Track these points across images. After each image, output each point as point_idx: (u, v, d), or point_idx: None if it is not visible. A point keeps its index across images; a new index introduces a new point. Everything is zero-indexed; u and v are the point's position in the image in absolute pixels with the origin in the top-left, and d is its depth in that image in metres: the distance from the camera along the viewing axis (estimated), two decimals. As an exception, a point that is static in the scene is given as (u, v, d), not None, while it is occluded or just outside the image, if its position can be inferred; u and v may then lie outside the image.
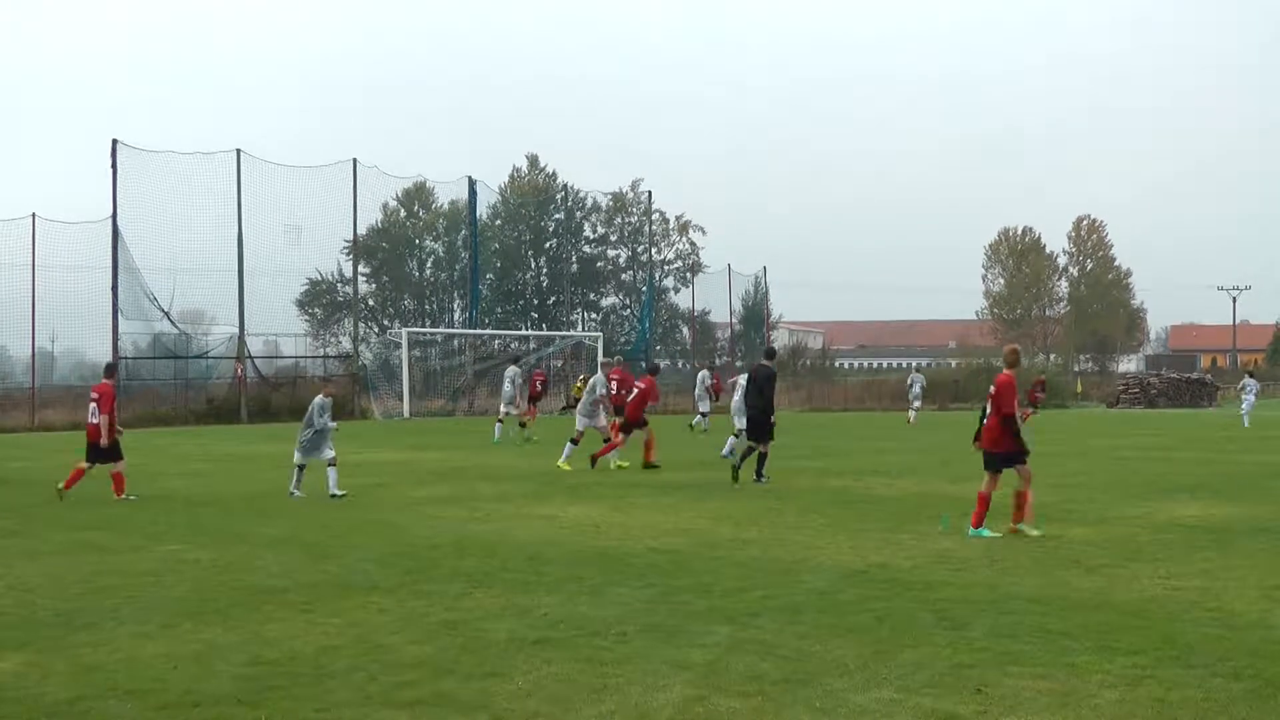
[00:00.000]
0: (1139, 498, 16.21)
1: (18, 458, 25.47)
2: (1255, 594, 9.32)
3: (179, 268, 43.13)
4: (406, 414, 44.79)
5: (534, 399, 30.66)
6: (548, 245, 66.07)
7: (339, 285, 57.83)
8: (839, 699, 6.46)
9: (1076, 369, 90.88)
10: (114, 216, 41.57)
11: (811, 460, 22.97)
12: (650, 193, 66.00)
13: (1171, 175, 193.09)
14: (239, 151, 44.39)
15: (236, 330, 44.55)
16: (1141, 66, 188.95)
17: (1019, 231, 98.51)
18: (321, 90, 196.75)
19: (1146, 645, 7.57)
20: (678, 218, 70.79)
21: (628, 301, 67.23)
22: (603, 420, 21.60)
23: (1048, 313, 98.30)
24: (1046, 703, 6.37)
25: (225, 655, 7.52)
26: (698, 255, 70.05)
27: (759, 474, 18.15)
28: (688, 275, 68.66)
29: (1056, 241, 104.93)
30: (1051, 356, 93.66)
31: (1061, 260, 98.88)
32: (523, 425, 29.11)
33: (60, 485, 16.72)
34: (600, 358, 48.68)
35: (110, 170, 41.57)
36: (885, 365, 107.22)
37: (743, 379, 21.51)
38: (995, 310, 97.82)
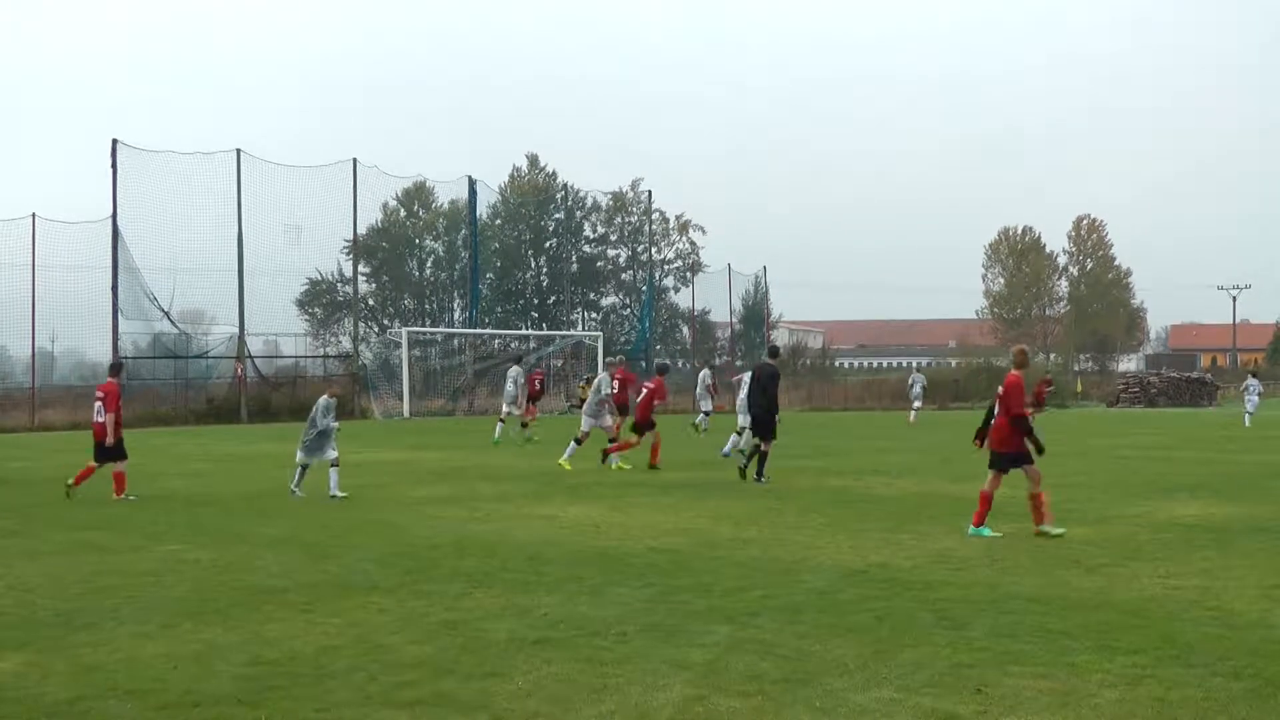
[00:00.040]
0: (1139, 497, 16.21)
1: (18, 458, 25.48)
2: (1255, 593, 9.32)
3: (179, 268, 43.23)
4: (406, 414, 44.81)
5: (533, 398, 30.69)
6: (548, 245, 66.11)
7: (339, 285, 57.87)
8: (839, 699, 6.46)
9: (1076, 368, 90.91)
10: (114, 216, 41.59)
11: (811, 460, 22.97)
12: (650, 192, 66.17)
13: (1171, 175, 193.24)
14: (239, 151, 44.47)
15: (236, 330, 44.57)
16: (1141, 66, 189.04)
17: (1019, 231, 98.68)
18: (321, 90, 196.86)
19: (1146, 645, 7.57)
20: (678, 217, 70.94)
21: (628, 301, 67.28)
22: (609, 420, 21.63)
23: (1048, 312, 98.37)
24: (1046, 702, 6.37)
25: (225, 655, 7.52)
26: (698, 255, 70.24)
27: (759, 474, 18.17)
28: (688, 275, 68.74)
29: (1056, 241, 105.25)
30: (1052, 356, 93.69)
31: (1061, 260, 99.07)
32: (524, 425, 29.12)
33: (70, 482, 16.78)
34: (600, 357, 48.76)
35: (110, 170, 41.61)
36: (885, 365, 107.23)
37: (747, 377, 21.54)
38: (995, 310, 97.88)
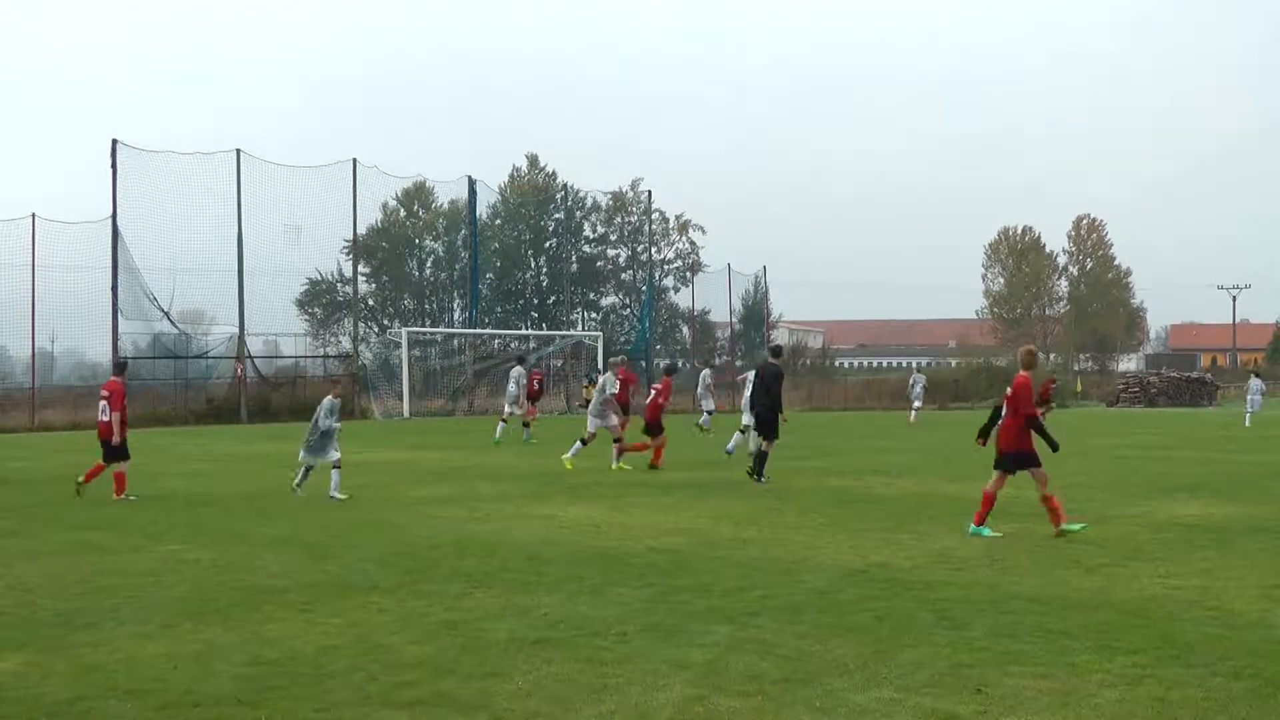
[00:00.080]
0: (1139, 497, 16.21)
1: (18, 458, 25.47)
2: (1255, 593, 9.32)
3: (179, 268, 43.20)
4: (406, 414, 44.80)
5: (533, 398, 30.70)
6: (548, 245, 66.09)
7: (339, 285, 57.85)
8: (839, 698, 6.46)
9: (1076, 368, 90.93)
10: (114, 216, 41.57)
11: (811, 460, 22.97)
12: (650, 192, 66.11)
13: (1171, 175, 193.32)
14: (239, 151, 44.44)
15: (236, 330, 44.56)
16: (1141, 66, 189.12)
17: (1019, 231, 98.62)
18: (321, 90, 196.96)
19: (1146, 645, 7.57)
20: (677, 217, 70.87)
21: (628, 301, 67.25)
22: (614, 420, 21.67)
23: (1048, 312, 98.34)
24: (1046, 702, 6.37)
25: (225, 655, 7.52)
26: (697, 255, 70.15)
27: (759, 473, 18.17)
28: (687, 275, 68.67)
29: (1056, 241, 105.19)
30: (1052, 356, 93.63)
31: (1061, 260, 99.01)
32: (526, 425, 29.13)
33: (80, 479, 16.80)
34: (601, 358, 48.75)
35: (110, 170, 41.58)
36: (885, 365, 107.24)
37: (751, 376, 21.59)
38: (995, 310, 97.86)
